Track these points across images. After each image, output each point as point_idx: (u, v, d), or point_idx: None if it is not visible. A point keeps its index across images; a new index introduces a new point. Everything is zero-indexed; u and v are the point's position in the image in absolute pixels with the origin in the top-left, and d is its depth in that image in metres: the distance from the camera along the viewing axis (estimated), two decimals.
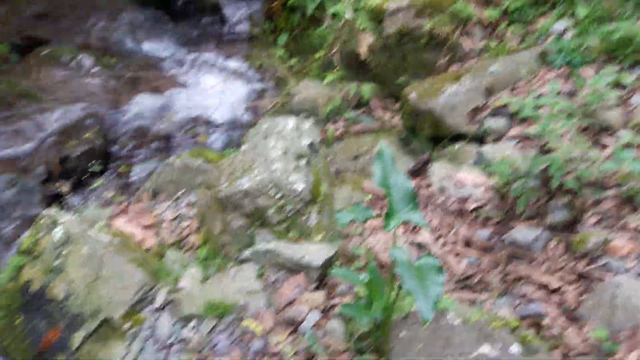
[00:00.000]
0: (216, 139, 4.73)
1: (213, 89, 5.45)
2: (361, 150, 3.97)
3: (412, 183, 3.41)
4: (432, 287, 1.61)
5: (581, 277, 2.67)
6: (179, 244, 2.75)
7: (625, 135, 3.21)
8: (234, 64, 5.97)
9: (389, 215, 1.80)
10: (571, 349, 2.30)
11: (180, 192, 3.04)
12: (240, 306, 2.28)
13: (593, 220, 2.95)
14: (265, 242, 2.45)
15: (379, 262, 2.74)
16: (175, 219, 2.88)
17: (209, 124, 4.88)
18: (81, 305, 2.27)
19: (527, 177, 3.04)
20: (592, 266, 2.67)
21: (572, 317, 2.47)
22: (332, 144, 4.29)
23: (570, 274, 2.71)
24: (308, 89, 4.57)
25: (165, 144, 4.67)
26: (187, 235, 2.79)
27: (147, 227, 2.84)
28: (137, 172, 4.26)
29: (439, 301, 1.56)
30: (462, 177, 3.29)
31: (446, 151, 3.66)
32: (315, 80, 4.79)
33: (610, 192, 3.03)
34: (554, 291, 2.64)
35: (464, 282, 2.77)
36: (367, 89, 4.32)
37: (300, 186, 2.57)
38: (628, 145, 3.25)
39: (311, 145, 2.84)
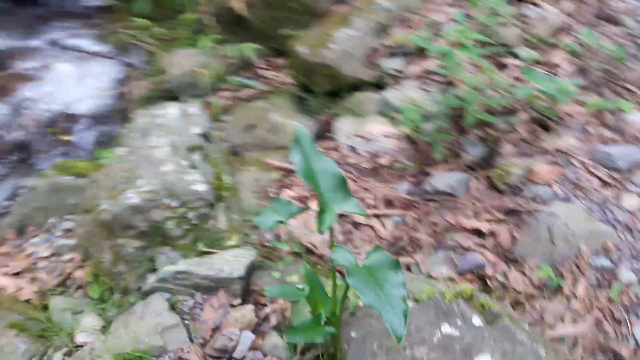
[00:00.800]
0: (83, 138, 4.09)
1: (70, 77, 4.72)
2: (254, 119, 3.58)
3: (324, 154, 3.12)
4: (394, 291, 1.32)
5: (510, 213, 2.54)
6: (63, 285, 2.26)
7: (527, 53, 3.10)
8: (90, 43, 5.21)
9: (322, 212, 1.48)
10: (518, 294, 2.18)
11: (51, 220, 2.51)
12: (159, 348, 1.90)
13: (509, 149, 2.82)
14: (171, 264, 2.06)
15: (305, 248, 2.44)
16: (52, 255, 2.37)
17: (72, 120, 4.22)
18: None
19: (437, 119, 2.84)
20: (519, 199, 2.55)
21: (511, 258, 2.34)
22: (220, 118, 3.86)
23: (498, 212, 2.57)
24: (182, 60, 4.03)
25: (25, 154, 3.98)
26: (71, 273, 2.30)
27: (19, 273, 2.32)
28: None
29: (407, 310, 1.28)
30: (370, 130, 3.03)
31: (348, 104, 3.37)
32: (188, 49, 4.24)
33: (522, 116, 2.92)
34: (487, 235, 2.49)
35: (395, 247, 2.56)
36: (248, 48, 3.88)
37: (200, 186, 2.16)
38: (532, 64, 3.15)
39: (203, 133, 2.42)
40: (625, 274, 2.05)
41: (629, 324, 1.88)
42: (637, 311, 1.92)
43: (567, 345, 1.89)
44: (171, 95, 4.00)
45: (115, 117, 4.21)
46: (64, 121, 4.23)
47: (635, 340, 1.83)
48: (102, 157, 3.41)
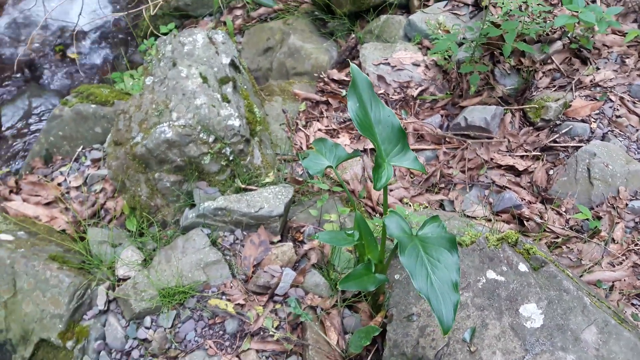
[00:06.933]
0: (90, 57, 3.94)
1: None
2: (272, 42, 3.43)
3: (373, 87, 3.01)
4: (447, 276, 1.29)
5: (546, 150, 2.51)
6: (96, 216, 2.25)
7: None
8: None
9: (378, 166, 1.43)
10: (557, 237, 2.19)
11: (79, 149, 2.46)
12: (202, 284, 1.92)
13: (545, 81, 2.74)
14: (210, 200, 2.03)
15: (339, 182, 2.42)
16: (82, 185, 2.34)
17: (76, 37, 4.04)
18: (5, 332, 1.82)
19: (472, 48, 2.72)
20: (555, 136, 2.51)
21: (547, 198, 2.33)
22: (235, 38, 3.70)
23: (534, 149, 2.54)
24: None
25: (32, 73, 3.84)
26: (105, 202, 2.29)
27: (50, 203, 2.29)
28: (10, 116, 3.49)
29: (458, 301, 1.27)
30: (399, 58, 2.92)
31: (372, 27, 3.23)
32: None
33: (557, 45, 2.80)
34: (522, 172, 2.48)
35: (426, 183, 2.54)
36: None
37: (236, 121, 2.10)
38: None
39: (232, 63, 2.31)
40: None
41: None
42: None
43: (604, 289, 1.93)
44: (182, 14, 3.82)
45: (121, 35, 4.04)
46: (67, 36, 4.06)
47: None
48: (118, 80, 3.30)
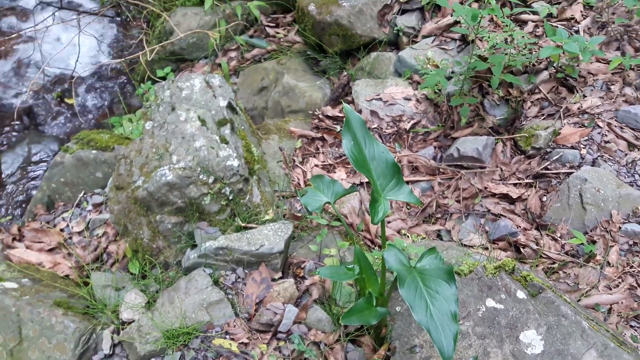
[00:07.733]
0: (88, 99, 4.02)
1: (67, 37, 4.57)
2: (266, 81, 3.52)
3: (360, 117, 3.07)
4: (446, 307, 1.33)
5: (538, 177, 2.56)
6: (99, 260, 2.28)
7: (544, 7, 3.04)
8: (87, 1, 5.02)
9: (374, 201, 1.48)
10: (553, 263, 2.22)
11: (81, 195, 2.50)
12: (206, 324, 1.94)
13: (534, 110, 2.82)
14: (211, 239, 2.07)
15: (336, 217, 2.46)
16: (84, 230, 2.37)
17: (73, 80, 4.11)
18: None
19: (461, 81, 2.80)
20: (547, 163, 2.56)
21: (542, 224, 2.37)
22: (230, 79, 3.79)
23: (526, 177, 2.59)
24: (186, 20, 3.91)
25: (32, 120, 3.91)
26: (107, 246, 2.32)
27: (53, 249, 2.32)
28: (10, 164, 3.54)
29: (457, 331, 1.30)
30: (391, 93, 3.00)
31: (363, 64, 3.32)
32: (192, 7, 4.10)
33: (544, 75, 2.89)
34: (516, 200, 2.52)
35: (423, 214, 2.58)
36: (253, 4, 3.76)
37: (234, 162, 2.15)
38: (549, 19, 3.10)
39: (230, 105, 2.37)
40: None
41: None
42: None
43: (602, 312, 1.95)
44: (178, 58, 3.91)
45: (118, 79, 4.13)
46: (66, 84, 4.14)
47: None
48: (117, 125, 3.36)
